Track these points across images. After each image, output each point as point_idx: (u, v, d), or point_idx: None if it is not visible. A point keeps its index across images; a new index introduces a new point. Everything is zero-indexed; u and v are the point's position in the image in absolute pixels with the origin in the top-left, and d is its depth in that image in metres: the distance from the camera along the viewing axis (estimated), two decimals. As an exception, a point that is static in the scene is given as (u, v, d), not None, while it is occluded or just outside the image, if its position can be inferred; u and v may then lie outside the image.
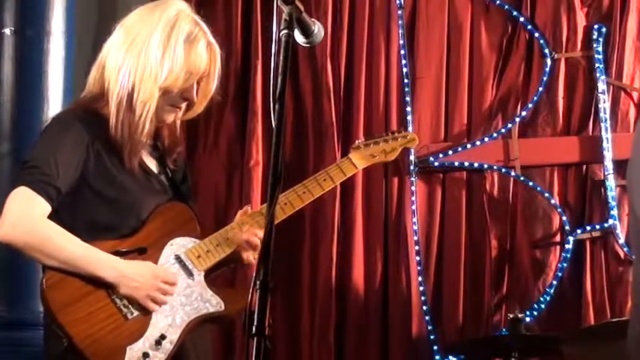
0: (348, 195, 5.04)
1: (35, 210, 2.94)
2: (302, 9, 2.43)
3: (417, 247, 4.93)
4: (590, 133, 4.89)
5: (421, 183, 5.00)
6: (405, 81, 5.04)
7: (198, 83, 3.08)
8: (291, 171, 4.96)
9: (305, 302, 5.00)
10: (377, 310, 4.98)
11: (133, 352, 2.93)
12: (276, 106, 2.29)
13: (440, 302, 4.94)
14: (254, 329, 2.13)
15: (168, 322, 2.99)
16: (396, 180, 5.04)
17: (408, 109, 5.02)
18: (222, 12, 5.28)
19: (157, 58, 3.01)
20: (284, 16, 2.38)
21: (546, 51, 4.93)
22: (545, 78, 4.92)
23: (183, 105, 3.10)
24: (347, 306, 4.99)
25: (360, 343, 4.96)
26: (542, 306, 4.79)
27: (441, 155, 4.97)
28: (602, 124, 4.81)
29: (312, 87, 5.14)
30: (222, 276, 3.38)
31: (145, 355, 2.94)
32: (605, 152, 4.79)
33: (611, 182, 4.76)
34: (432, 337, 4.88)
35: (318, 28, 2.53)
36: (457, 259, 4.92)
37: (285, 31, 2.36)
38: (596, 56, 4.87)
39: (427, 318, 4.88)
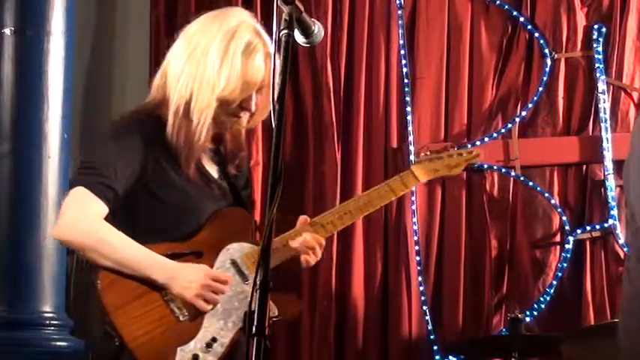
0: (348, 195, 5.03)
1: (91, 211, 2.97)
2: (302, 9, 2.43)
3: (417, 247, 4.93)
4: (590, 133, 4.89)
5: (421, 183, 4.99)
6: (405, 81, 5.04)
7: (259, 93, 3.09)
8: (291, 171, 4.96)
9: (305, 302, 5.00)
10: (377, 310, 4.98)
11: (184, 353, 2.94)
12: (276, 106, 2.29)
13: (440, 302, 4.94)
14: (254, 329, 2.14)
15: (221, 325, 2.99)
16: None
17: (408, 109, 5.03)
18: (222, 12, 5.28)
19: (214, 69, 3.02)
20: (284, 16, 2.38)
21: (546, 51, 4.93)
22: (545, 78, 4.92)
23: (243, 114, 3.10)
24: (347, 306, 4.99)
25: (360, 343, 4.96)
26: (542, 306, 4.79)
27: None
28: (602, 124, 4.81)
29: (312, 87, 5.14)
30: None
31: (195, 357, 2.94)
32: (605, 152, 4.79)
33: (611, 182, 4.76)
34: (432, 337, 4.88)
35: (318, 28, 2.53)
36: (457, 259, 4.92)
37: (285, 31, 2.36)
38: (596, 56, 4.87)
39: (427, 318, 4.88)
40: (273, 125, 2.29)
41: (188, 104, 3.02)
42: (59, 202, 4.71)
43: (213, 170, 3.14)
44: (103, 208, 2.98)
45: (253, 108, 3.07)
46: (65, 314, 4.78)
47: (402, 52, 5.05)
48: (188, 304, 2.97)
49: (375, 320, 4.98)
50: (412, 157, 4.96)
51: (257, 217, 4.99)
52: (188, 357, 2.94)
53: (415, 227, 4.94)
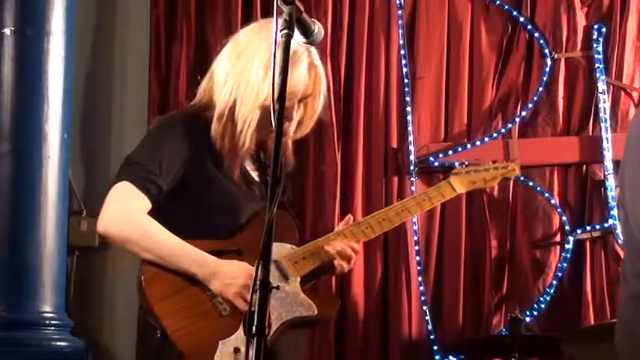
0: (348, 195, 5.04)
1: (135, 205, 3.01)
2: (302, 9, 2.43)
3: (417, 247, 4.93)
4: (590, 133, 4.89)
5: (421, 183, 4.99)
6: (405, 81, 5.04)
7: (303, 104, 3.13)
8: (291, 171, 4.96)
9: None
10: (377, 310, 4.98)
11: (225, 346, 2.97)
12: (276, 106, 2.29)
13: (440, 302, 4.94)
14: (254, 329, 2.14)
15: None
16: (396, 180, 5.04)
17: (408, 109, 5.03)
18: (222, 12, 5.29)
19: (258, 77, 3.06)
20: (284, 16, 2.39)
21: (546, 51, 4.93)
22: (545, 78, 4.92)
23: (284, 124, 3.12)
24: (347, 306, 4.98)
25: (360, 343, 4.96)
26: (542, 306, 4.79)
27: (441, 155, 4.97)
28: (602, 124, 4.81)
29: (312, 87, 5.13)
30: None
31: (237, 350, 2.98)
32: (605, 152, 4.79)
33: (611, 182, 4.76)
34: (432, 337, 4.88)
35: (318, 28, 2.54)
36: (457, 259, 4.92)
37: (285, 31, 2.36)
38: (596, 56, 4.87)
39: (427, 318, 4.88)
40: (273, 125, 2.29)
41: (232, 110, 3.07)
42: (59, 202, 4.72)
43: (255, 174, 3.20)
44: (147, 203, 3.02)
45: (295, 117, 3.11)
46: (65, 314, 4.78)
47: (402, 52, 5.05)
48: (227, 299, 3.01)
49: (375, 320, 4.97)
50: (412, 157, 4.96)
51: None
52: (229, 350, 2.97)
53: (415, 227, 4.94)
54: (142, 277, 3.02)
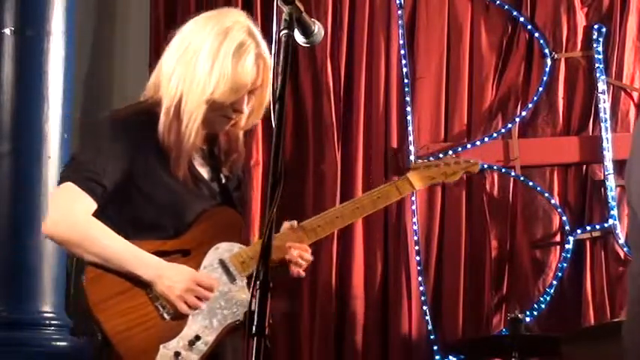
0: (347, 195, 5.03)
1: (79, 206, 2.97)
2: (302, 9, 2.43)
3: (417, 247, 4.93)
4: (590, 133, 4.89)
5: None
6: (405, 81, 5.04)
7: (252, 94, 3.07)
8: (291, 171, 4.96)
9: (305, 302, 5.00)
10: (377, 310, 4.98)
11: (166, 350, 2.94)
12: (276, 106, 2.29)
13: (440, 302, 4.94)
14: (254, 329, 2.14)
15: (205, 323, 2.99)
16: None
17: (408, 109, 5.03)
18: (222, 12, 5.29)
19: (204, 70, 3.00)
20: (284, 16, 2.38)
21: (546, 51, 4.93)
22: (545, 78, 4.92)
23: (235, 116, 3.09)
24: (347, 306, 4.99)
25: (360, 343, 4.96)
26: (542, 306, 4.79)
27: (441, 155, 4.96)
28: (602, 124, 4.81)
29: (312, 87, 5.14)
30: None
31: (177, 354, 2.94)
32: (605, 152, 4.79)
33: (611, 182, 4.76)
34: (432, 337, 4.88)
35: (318, 28, 2.53)
36: (457, 259, 4.92)
37: (285, 31, 2.36)
38: (596, 56, 4.87)
39: (427, 318, 4.88)
40: (273, 125, 2.29)
41: (178, 105, 3.01)
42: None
43: (203, 171, 3.13)
44: (91, 204, 2.97)
45: (245, 110, 3.05)
46: (65, 314, 4.78)
47: (402, 52, 5.05)
48: (170, 302, 2.97)
49: (375, 320, 4.97)
50: (412, 157, 4.96)
51: (253, 217, 5.01)
52: (170, 354, 2.93)
53: (415, 227, 4.94)
54: (85, 278, 2.99)
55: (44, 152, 4.70)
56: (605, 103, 4.83)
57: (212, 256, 3.05)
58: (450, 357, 4.85)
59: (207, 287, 2.99)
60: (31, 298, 4.64)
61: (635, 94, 4.89)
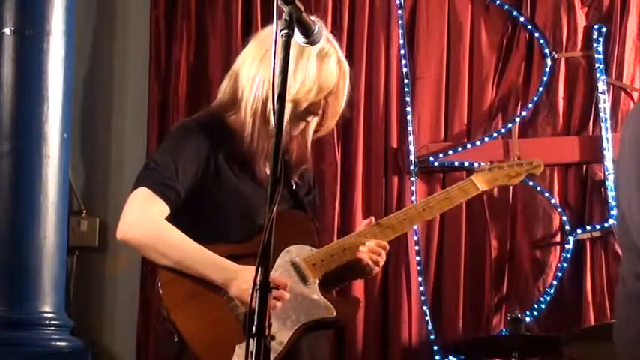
0: (348, 195, 5.04)
1: (153, 211, 3.01)
2: (302, 9, 2.43)
3: (417, 247, 4.93)
4: (590, 133, 4.89)
5: (421, 183, 5.00)
6: (405, 81, 5.04)
7: (326, 99, 3.11)
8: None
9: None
10: (377, 310, 4.97)
11: (242, 350, 2.93)
12: (276, 106, 2.29)
13: (440, 302, 4.94)
14: (254, 329, 2.14)
15: (279, 324, 3.02)
16: (396, 180, 5.04)
17: (408, 109, 5.03)
18: (222, 12, 5.29)
19: (290, 70, 3.03)
20: (284, 16, 2.39)
21: (546, 51, 4.93)
22: (545, 78, 4.92)
23: (310, 119, 3.12)
24: (347, 306, 4.98)
25: (360, 343, 4.96)
26: (542, 306, 4.79)
27: (441, 155, 4.97)
28: (602, 124, 4.81)
29: (312, 87, 5.13)
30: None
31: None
32: (605, 152, 4.79)
33: (611, 182, 4.75)
34: (432, 337, 4.88)
35: (318, 28, 2.53)
36: (457, 259, 4.92)
37: (285, 31, 2.36)
38: (596, 56, 4.87)
39: (427, 318, 4.88)
40: (274, 125, 2.29)
41: (264, 106, 3.05)
42: (59, 202, 4.73)
43: None
44: (165, 209, 3.02)
45: (319, 113, 3.11)
46: (65, 314, 4.79)
47: (402, 52, 5.05)
48: (245, 304, 2.99)
49: (375, 320, 4.97)
50: (412, 158, 4.97)
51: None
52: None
53: (415, 227, 4.93)
54: (159, 282, 3.03)
55: (44, 152, 4.70)
56: (605, 103, 4.83)
57: (284, 259, 3.09)
58: (450, 357, 4.85)
59: (282, 285, 3.02)
60: (31, 298, 4.64)
61: (635, 94, 4.88)
